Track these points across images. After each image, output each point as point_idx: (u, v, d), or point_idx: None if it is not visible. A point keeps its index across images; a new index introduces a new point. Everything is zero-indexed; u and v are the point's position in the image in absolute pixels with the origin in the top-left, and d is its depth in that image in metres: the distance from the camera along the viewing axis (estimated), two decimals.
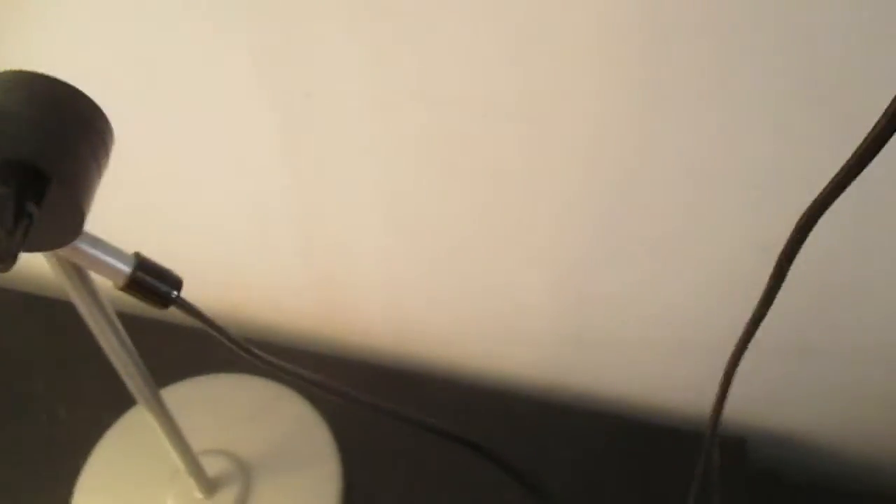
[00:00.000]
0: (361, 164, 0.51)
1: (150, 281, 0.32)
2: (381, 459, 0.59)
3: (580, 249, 0.53)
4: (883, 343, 0.53)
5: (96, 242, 0.31)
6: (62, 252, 0.30)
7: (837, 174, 0.23)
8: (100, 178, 0.29)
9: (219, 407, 0.60)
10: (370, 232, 0.57)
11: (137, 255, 0.32)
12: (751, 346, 0.47)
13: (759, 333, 0.36)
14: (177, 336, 0.61)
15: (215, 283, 0.65)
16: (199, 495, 0.54)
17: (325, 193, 0.54)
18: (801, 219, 0.26)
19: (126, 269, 0.31)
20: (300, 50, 0.44)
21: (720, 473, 0.59)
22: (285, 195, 0.55)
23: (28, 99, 0.26)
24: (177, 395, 0.58)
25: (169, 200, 0.59)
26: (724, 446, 0.60)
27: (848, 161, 0.23)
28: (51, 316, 0.66)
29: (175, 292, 0.33)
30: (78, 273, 0.34)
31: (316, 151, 0.51)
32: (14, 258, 0.26)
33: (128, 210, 0.56)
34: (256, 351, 0.36)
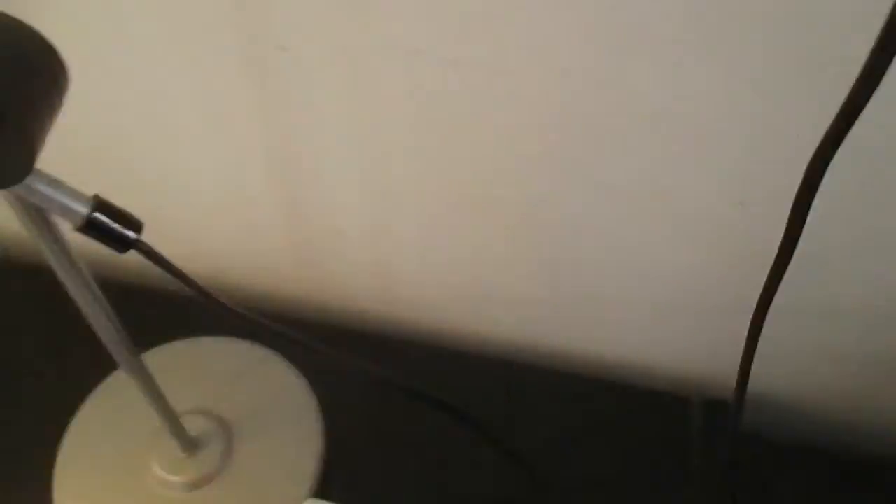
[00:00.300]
0: (343, 123, 0.51)
1: (109, 223, 0.32)
2: (362, 422, 0.59)
3: (566, 207, 0.53)
4: (862, 304, 0.52)
5: (53, 182, 0.31)
6: (18, 191, 0.30)
7: (842, 108, 0.22)
8: (52, 117, 0.29)
9: (200, 369, 0.60)
10: (352, 192, 0.56)
11: (96, 197, 0.32)
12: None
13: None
14: (155, 302, 0.61)
15: (188, 245, 0.65)
16: (181, 454, 0.55)
17: (307, 152, 0.54)
18: (811, 162, 0.24)
19: (83, 209, 0.31)
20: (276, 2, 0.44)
21: (703, 436, 0.59)
22: (265, 154, 0.55)
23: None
24: (158, 357, 0.59)
25: (142, 157, 0.58)
26: (707, 409, 0.60)
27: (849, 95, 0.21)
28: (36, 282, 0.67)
29: (134, 235, 0.33)
30: (41, 218, 0.34)
31: (294, 109, 0.51)
32: None
33: (100, 170, 0.56)
34: (220, 299, 0.36)
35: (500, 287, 0.61)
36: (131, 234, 0.32)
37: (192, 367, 0.60)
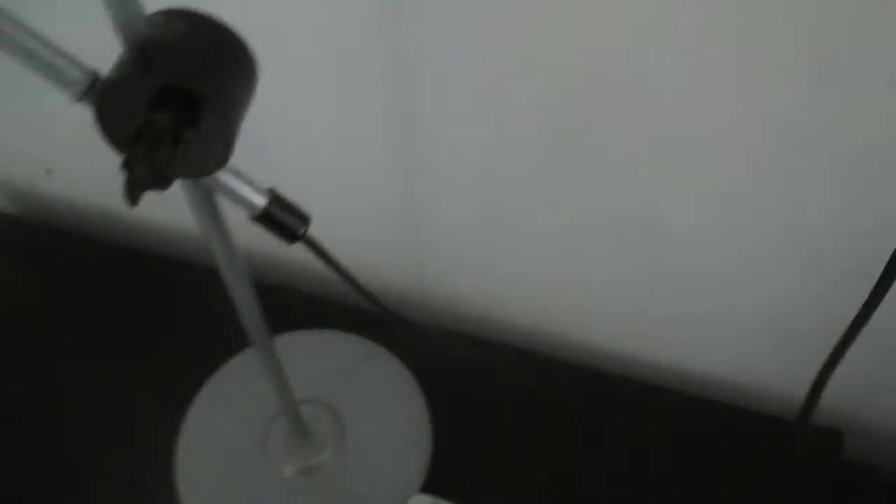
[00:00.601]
0: (474, 126, 0.52)
1: (281, 215, 0.34)
2: (470, 419, 0.60)
3: (682, 220, 0.53)
4: None
5: (237, 174, 0.32)
6: (206, 181, 0.32)
7: None
8: (247, 109, 0.31)
9: (313, 360, 0.62)
10: (473, 199, 0.57)
11: (271, 191, 0.34)
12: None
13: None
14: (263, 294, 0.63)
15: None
16: (296, 441, 0.56)
17: (432, 154, 0.55)
18: None
19: (261, 201, 0.33)
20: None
21: (813, 464, 0.58)
22: (394, 154, 0.56)
23: (185, 33, 0.28)
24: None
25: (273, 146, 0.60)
26: (818, 437, 0.59)
27: None
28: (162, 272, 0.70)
29: (303, 229, 0.34)
30: (212, 205, 0.36)
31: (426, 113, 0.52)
32: (170, 182, 0.28)
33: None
34: (378, 297, 0.37)
35: (605, 299, 0.62)
36: (300, 227, 0.34)
37: (305, 358, 0.62)
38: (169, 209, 0.72)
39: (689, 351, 0.63)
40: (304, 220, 0.34)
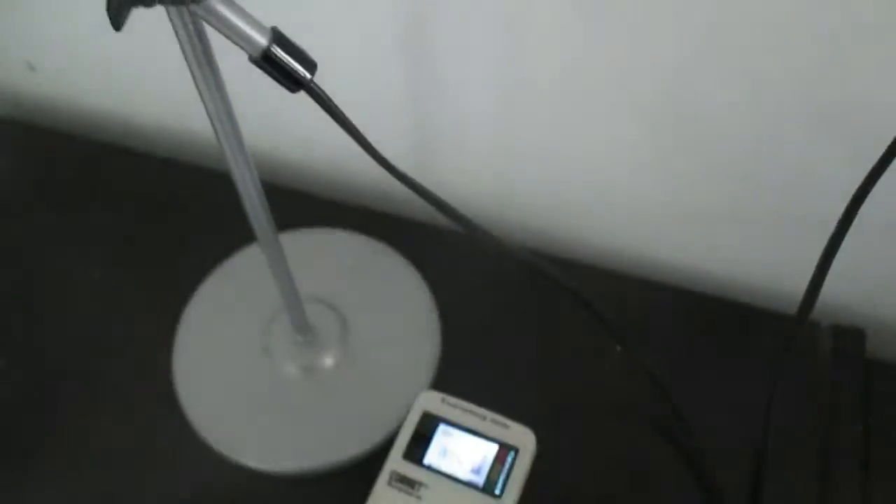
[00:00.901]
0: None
1: (285, 58, 0.30)
2: (478, 317, 0.58)
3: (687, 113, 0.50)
4: None
5: (234, 6, 0.29)
6: (197, 11, 0.28)
7: None
8: None
9: (315, 259, 0.59)
10: (483, 89, 0.54)
11: (274, 29, 0.30)
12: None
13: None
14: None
15: (309, 132, 0.64)
16: (298, 339, 0.54)
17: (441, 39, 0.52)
18: None
19: (263, 39, 0.30)
20: None
21: (836, 362, 0.56)
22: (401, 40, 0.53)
23: None
24: None
25: None
26: (839, 335, 0.57)
27: None
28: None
29: (308, 75, 0.31)
30: (205, 46, 0.32)
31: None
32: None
33: None
34: (386, 159, 0.34)
35: (623, 193, 0.59)
36: (306, 73, 0.31)
37: (308, 255, 0.59)
38: (166, 107, 0.68)
39: (703, 248, 0.61)
40: (310, 65, 0.31)
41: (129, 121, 0.71)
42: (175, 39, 0.32)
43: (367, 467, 0.50)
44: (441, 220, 0.66)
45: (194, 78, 0.34)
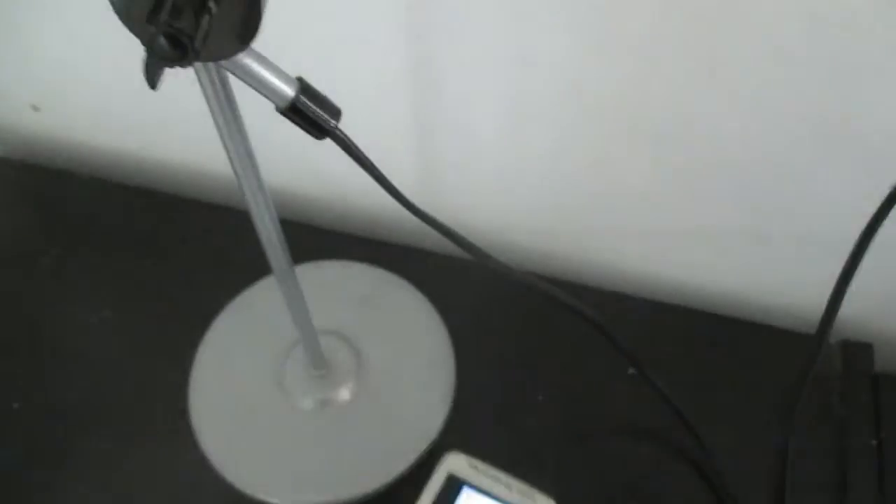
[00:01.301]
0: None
1: (312, 107, 0.31)
2: (491, 351, 0.58)
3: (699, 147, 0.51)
4: None
5: (262, 59, 0.30)
6: (227, 65, 0.29)
7: None
8: None
9: (329, 291, 0.60)
10: (488, 106, 0.55)
11: (300, 80, 0.31)
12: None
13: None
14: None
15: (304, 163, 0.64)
16: (314, 373, 0.54)
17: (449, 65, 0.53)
18: None
19: (290, 91, 0.30)
20: None
21: (843, 378, 0.57)
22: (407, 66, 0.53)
23: None
24: None
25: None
26: (848, 350, 0.58)
27: None
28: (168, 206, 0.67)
29: (333, 122, 0.32)
30: (229, 100, 0.33)
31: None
32: (197, 54, 0.25)
33: None
34: (406, 197, 0.35)
35: (631, 215, 0.60)
36: (331, 120, 0.31)
37: (322, 288, 0.59)
38: (170, 144, 0.69)
39: (711, 268, 0.61)
40: (334, 112, 0.32)
41: (137, 159, 0.71)
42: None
43: (384, 501, 0.50)
44: (449, 247, 0.67)
45: (217, 126, 0.34)
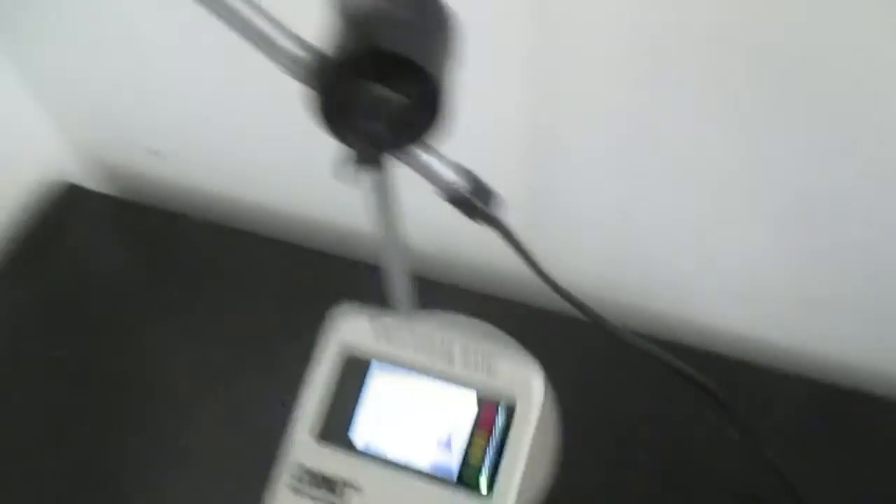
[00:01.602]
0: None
1: (476, 200, 0.32)
2: (594, 405, 0.58)
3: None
4: None
5: (434, 152, 0.31)
6: (406, 160, 0.30)
7: None
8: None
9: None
10: (600, 174, 0.56)
11: (469, 172, 0.32)
12: None
13: None
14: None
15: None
16: None
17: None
18: None
19: (461, 183, 0.31)
20: None
21: None
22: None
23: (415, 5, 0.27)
24: None
25: None
26: None
27: None
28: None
29: (497, 210, 0.33)
30: (386, 185, 0.34)
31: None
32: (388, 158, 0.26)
33: None
34: (560, 285, 0.36)
35: (741, 280, 0.60)
36: (494, 208, 0.33)
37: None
38: (281, 193, 0.71)
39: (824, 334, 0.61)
40: (496, 200, 0.33)
41: (257, 203, 0.73)
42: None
43: None
44: (551, 302, 0.67)
45: (377, 216, 0.35)
